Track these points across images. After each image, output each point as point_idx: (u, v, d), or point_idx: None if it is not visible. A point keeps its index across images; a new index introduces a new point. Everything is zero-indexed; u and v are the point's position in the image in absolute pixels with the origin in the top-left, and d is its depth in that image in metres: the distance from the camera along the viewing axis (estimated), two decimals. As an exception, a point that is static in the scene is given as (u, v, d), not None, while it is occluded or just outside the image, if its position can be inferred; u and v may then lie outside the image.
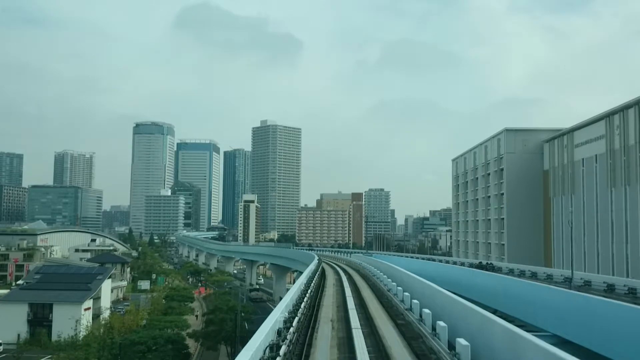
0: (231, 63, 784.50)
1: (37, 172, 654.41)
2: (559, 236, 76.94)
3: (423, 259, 69.13)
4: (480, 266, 47.88)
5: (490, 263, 48.06)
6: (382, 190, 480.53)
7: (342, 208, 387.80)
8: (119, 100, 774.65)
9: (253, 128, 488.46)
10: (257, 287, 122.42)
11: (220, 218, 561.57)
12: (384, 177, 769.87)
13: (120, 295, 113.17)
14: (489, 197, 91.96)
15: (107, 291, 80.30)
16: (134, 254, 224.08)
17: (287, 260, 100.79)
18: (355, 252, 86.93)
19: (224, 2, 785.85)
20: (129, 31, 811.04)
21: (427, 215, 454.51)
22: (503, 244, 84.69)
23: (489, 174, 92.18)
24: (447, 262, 59.70)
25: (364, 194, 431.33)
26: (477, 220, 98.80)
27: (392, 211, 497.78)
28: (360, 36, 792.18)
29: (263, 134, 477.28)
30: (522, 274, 40.21)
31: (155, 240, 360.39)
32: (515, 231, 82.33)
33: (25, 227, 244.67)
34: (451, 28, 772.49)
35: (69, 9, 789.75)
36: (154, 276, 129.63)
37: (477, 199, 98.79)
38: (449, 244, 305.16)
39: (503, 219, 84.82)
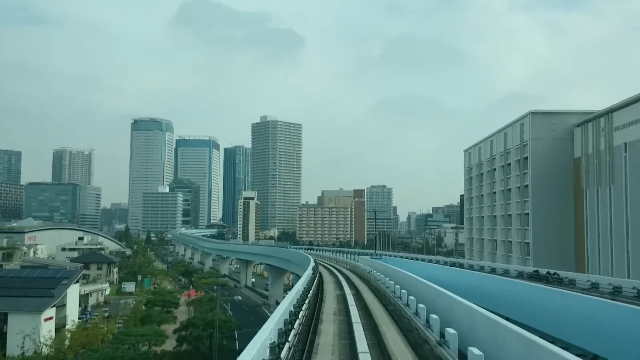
0: (232, 59, 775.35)
1: (36, 170, 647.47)
2: (593, 233, 66.78)
3: (445, 263, 55.83)
4: (537, 276, 35.90)
5: (555, 272, 35.57)
6: (384, 187, 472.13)
7: (343, 205, 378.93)
8: (119, 98, 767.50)
9: (253, 124, 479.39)
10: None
11: (220, 215, 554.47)
12: (386, 174, 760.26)
13: (101, 299, 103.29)
14: (510, 189, 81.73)
15: (74, 297, 70.31)
16: (128, 252, 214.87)
17: (282, 262, 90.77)
18: (362, 255, 74.35)
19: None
20: (129, 29, 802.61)
21: (430, 212, 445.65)
22: (527, 243, 74.47)
23: (509, 164, 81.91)
24: (481, 268, 46.86)
25: (365, 190, 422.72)
26: (495, 215, 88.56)
27: (395, 208, 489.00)
28: (362, 33, 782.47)
29: (263, 130, 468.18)
30: (616, 292, 28.42)
31: (153, 238, 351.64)
32: (541, 228, 72.13)
33: (14, 224, 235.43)
34: (453, 25, 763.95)
35: (68, 8, 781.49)
36: (139, 277, 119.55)
37: (495, 192, 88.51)
38: (453, 241, 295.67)
39: (527, 214, 74.57)
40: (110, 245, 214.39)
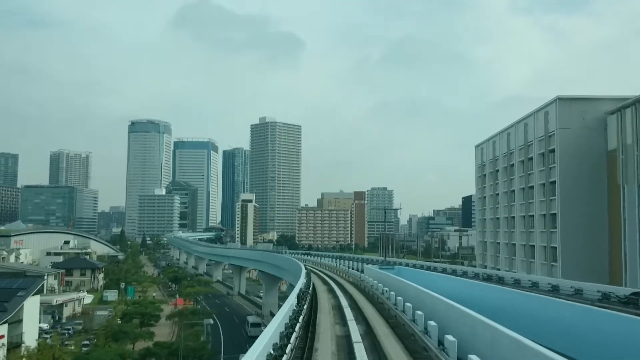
0: (231, 62, 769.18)
1: (33, 173, 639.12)
2: (633, 236, 57.65)
3: (477, 275, 42.35)
4: (638, 302, 24.51)
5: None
6: (385, 189, 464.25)
7: (343, 207, 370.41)
8: (117, 101, 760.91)
9: (251, 125, 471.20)
10: None
11: (219, 219, 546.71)
12: (386, 177, 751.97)
13: (79, 310, 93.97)
14: (531, 187, 72.59)
15: (34, 311, 61.04)
16: (121, 256, 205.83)
17: (275, 269, 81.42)
18: (367, 263, 62.97)
19: (224, 1, 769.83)
20: (128, 31, 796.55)
21: (431, 214, 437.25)
22: (554, 247, 65.23)
23: (531, 159, 72.78)
24: (534, 284, 34.40)
25: (366, 192, 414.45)
26: (513, 217, 79.34)
27: (395, 211, 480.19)
28: (362, 35, 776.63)
29: (262, 132, 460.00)
30: None
31: (148, 242, 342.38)
32: (572, 230, 62.92)
33: (2, 227, 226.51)
34: (453, 28, 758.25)
35: (67, 10, 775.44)
36: (122, 285, 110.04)
37: (513, 191, 79.33)
38: (457, 244, 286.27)
39: (554, 214, 65.37)
40: (103, 250, 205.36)
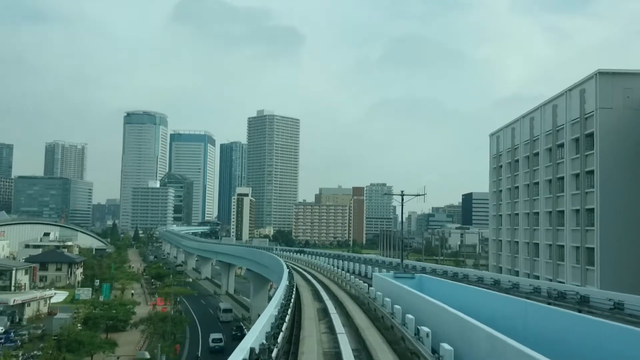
0: (231, 56, 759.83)
1: (29, 164, 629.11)
2: (690, 237, 48.01)
3: (550, 293, 27.24)
4: None
5: None
6: (384, 185, 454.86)
7: (342, 203, 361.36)
8: (115, 94, 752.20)
9: (249, 118, 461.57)
10: None
11: (215, 213, 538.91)
12: (385, 173, 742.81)
13: (45, 310, 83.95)
14: (561, 178, 62.62)
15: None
16: (110, 250, 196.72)
17: (262, 268, 71.50)
18: (372, 264, 50.90)
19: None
20: (126, 24, 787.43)
21: (430, 211, 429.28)
22: (590, 248, 55.35)
23: (560, 145, 62.78)
24: None
25: (365, 188, 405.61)
26: (537, 212, 69.38)
27: (394, 207, 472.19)
28: (363, 32, 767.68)
29: (259, 125, 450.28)
30: None
31: (141, 235, 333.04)
32: (612, 227, 53.07)
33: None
34: (454, 27, 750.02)
35: (67, 4, 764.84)
36: (97, 282, 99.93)
37: (537, 183, 69.32)
38: (458, 242, 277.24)
39: (590, 209, 55.46)
40: (91, 243, 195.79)
